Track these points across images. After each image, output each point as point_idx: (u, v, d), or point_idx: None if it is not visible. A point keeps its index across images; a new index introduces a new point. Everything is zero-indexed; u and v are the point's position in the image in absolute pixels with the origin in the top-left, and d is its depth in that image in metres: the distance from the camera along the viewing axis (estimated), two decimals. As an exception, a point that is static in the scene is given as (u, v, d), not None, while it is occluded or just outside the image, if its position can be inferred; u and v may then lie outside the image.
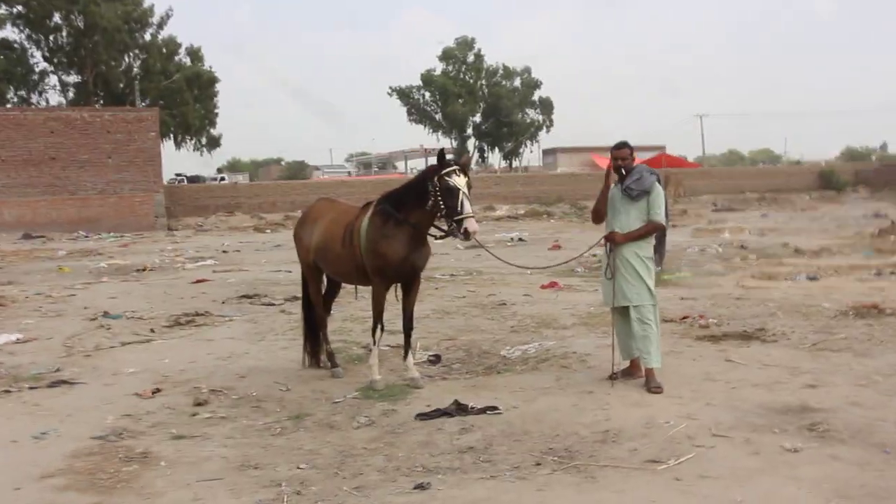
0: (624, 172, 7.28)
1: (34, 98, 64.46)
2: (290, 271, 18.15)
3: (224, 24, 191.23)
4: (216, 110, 68.97)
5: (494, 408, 6.62)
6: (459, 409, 6.62)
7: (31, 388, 7.95)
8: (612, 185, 7.42)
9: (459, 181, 6.86)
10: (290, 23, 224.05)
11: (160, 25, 65.15)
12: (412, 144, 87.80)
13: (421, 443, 5.92)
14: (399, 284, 7.67)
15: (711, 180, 59.24)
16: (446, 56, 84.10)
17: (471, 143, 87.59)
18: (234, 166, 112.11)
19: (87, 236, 38.41)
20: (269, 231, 38.44)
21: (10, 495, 5.05)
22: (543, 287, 14.08)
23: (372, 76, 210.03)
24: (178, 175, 69.08)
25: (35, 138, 40.97)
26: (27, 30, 62.47)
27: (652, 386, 7.04)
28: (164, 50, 65.83)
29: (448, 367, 8.55)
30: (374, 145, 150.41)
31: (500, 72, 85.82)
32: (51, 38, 63.28)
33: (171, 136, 66.39)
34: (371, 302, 7.74)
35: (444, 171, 6.94)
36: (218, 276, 17.91)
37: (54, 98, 65.26)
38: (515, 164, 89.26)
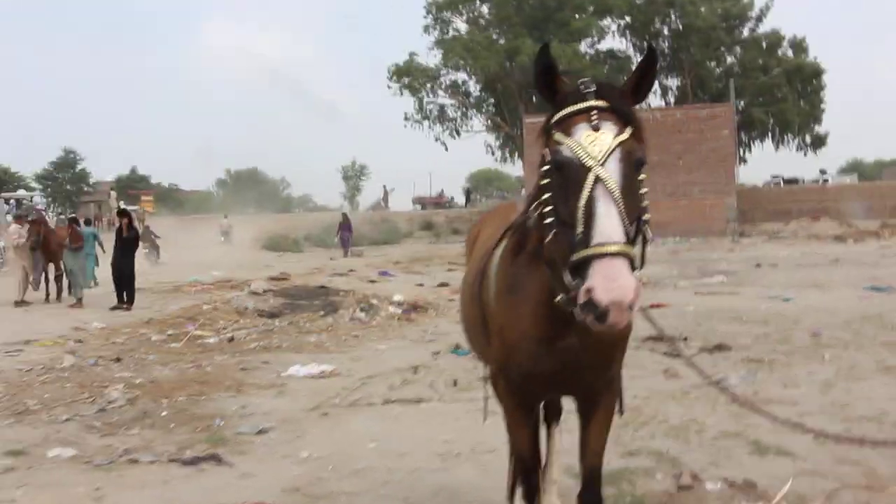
0: None
1: (636, 103, 65.73)
2: (788, 299, 13.49)
3: (835, 12, 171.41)
4: (822, 105, 61.88)
5: None
6: None
7: (171, 460, 5.77)
8: None
9: (589, 143, 2.49)
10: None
11: (759, 19, 60.89)
12: None
13: None
14: (575, 399, 3.35)
15: None
16: None
17: None
18: (854, 168, 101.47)
19: (653, 240, 36.91)
20: (850, 241, 31.92)
21: None
22: None
23: None
24: (774, 177, 63.99)
25: (609, 141, 40.92)
26: (632, 39, 64.02)
27: None
28: (765, 44, 61.26)
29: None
30: None
31: None
32: (652, 43, 63.87)
33: (770, 135, 61.82)
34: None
35: (556, 118, 2.64)
36: (696, 300, 14.05)
37: (655, 102, 65.90)
38: None
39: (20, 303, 17.11)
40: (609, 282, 2.29)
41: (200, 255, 30.02)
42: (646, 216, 2.62)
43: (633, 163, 2.52)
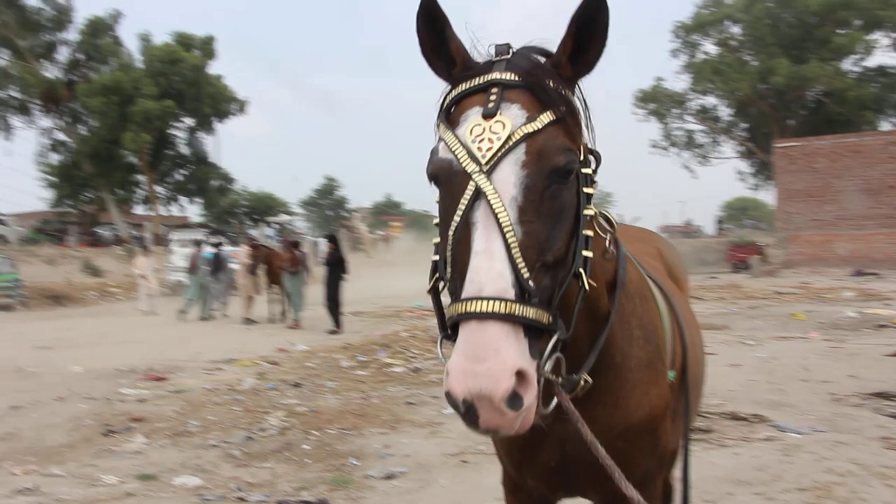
0: None
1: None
2: None
3: None
4: None
5: None
6: None
7: (278, 501, 5.36)
8: None
9: (475, 138, 1.61)
10: None
11: None
12: None
13: None
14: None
15: None
16: None
17: None
18: None
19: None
20: None
21: None
22: None
23: None
24: None
25: (873, 165, 37.06)
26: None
27: None
28: None
29: None
30: None
31: None
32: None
33: None
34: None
35: (447, 100, 1.75)
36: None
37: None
38: None
39: (247, 321, 18.07)
40: (470, 363, 1.45)
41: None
42: (585, 252, 1.72)
43: (547, 168, 1.62)
